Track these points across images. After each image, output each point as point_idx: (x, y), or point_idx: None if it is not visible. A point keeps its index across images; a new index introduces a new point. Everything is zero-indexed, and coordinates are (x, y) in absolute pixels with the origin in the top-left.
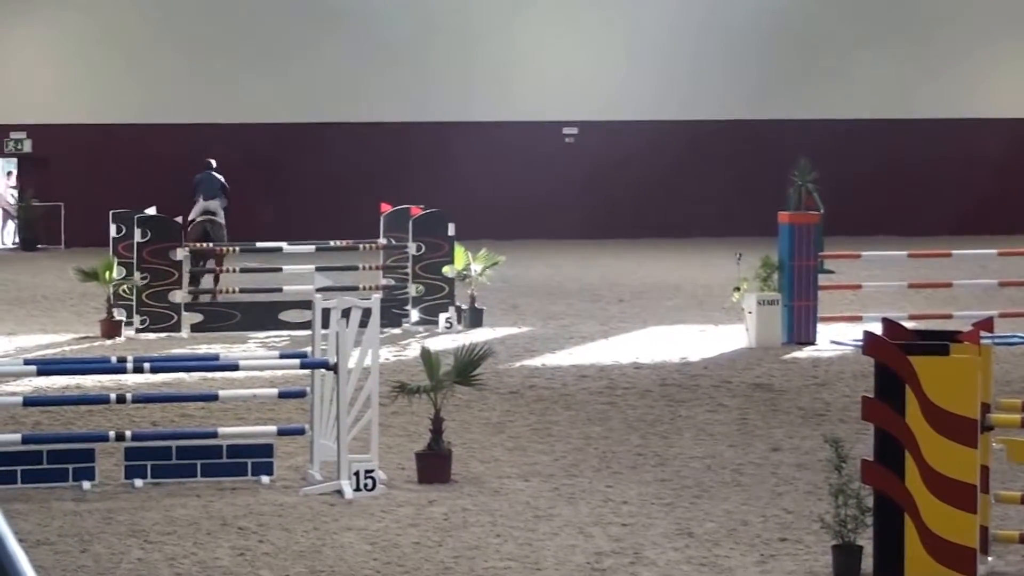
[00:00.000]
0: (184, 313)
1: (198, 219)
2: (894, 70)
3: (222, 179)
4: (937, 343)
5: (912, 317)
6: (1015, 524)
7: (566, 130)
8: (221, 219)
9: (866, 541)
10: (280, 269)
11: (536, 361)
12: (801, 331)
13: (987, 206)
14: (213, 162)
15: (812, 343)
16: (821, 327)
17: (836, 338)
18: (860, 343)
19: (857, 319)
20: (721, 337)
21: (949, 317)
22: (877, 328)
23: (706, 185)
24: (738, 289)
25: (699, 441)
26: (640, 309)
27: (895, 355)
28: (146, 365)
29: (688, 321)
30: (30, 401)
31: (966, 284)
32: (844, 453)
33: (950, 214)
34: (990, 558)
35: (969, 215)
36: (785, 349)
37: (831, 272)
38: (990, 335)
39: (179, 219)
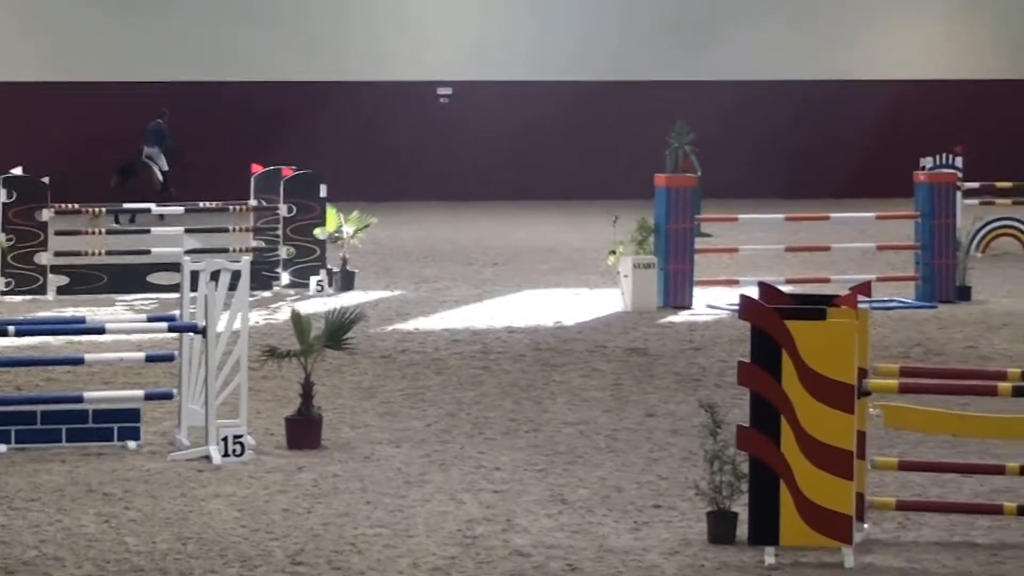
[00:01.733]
0: (50, 276)
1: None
2: (774, 31)
3: (164, 129)
4: (814, 307)
5: (789, 281)
6: (892, 491)
7: (440, 90)
8: (156, 163)
9: (741, 508)
10: (148, 231)
11: (408, 325)
12: (677, 295)
13: (866, 170)
14: (166, 112)
15: (688, 307)
16: (697, 291)
17: (712, 302)
18: (736, 307)
19: (734, 283)
20: (596, 301)
21: (827, 281)
22: (754, 292)
23: (583, 147)
24: (614, 252)
25: (573, 406)
26: (514, 272)
27: (771, 319)
28: (10, 328)
29: (563, 285)
30: None
31: (844, 248)
32: (719, 419)
33: (829, 177)
34: (866, 525)
35: (848, 179)
36: (661, 313)
37: (708, 235)
38: (867, 299)
39: (46, 179)
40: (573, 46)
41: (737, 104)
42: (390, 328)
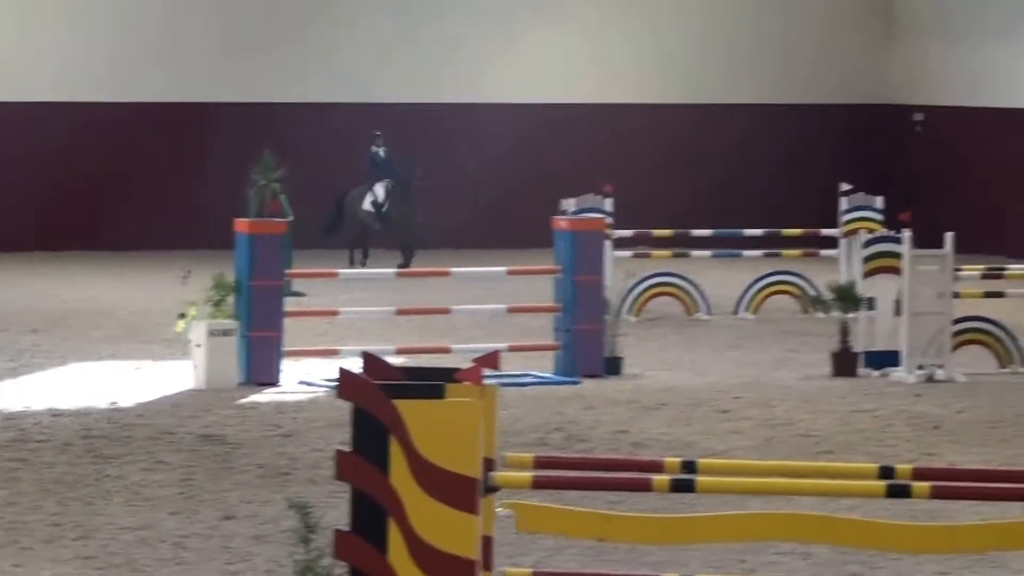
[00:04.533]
0: None
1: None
2: (383, 46)
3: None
4: (430, 383)
5: (401, 351)
6: None
7: None
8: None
9: None
10: None
11: None
12: (262, 369)
13: (495, 213)
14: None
15: (275, 384)
16: (287, 364)
17: (306, 378)
18: (335, 384)
19: (333, 354)
20: (162, 376)
21: (446, 351)
22: (356, 365)
23: (144, 185)
24: (184, 316)
25: (132, 507)
26: (59, 341)
27: (377, 398)
28: None
29: (120, 356)
30: None
31: (468, 310)
32: (313, 521)
33: (449, 223)
34: None
35: (473, 225)
36: (242, 391)
37: (301, 295)
38: (496, 373)
39: None
40: (143, 62)
41: (340, 130)
42: None
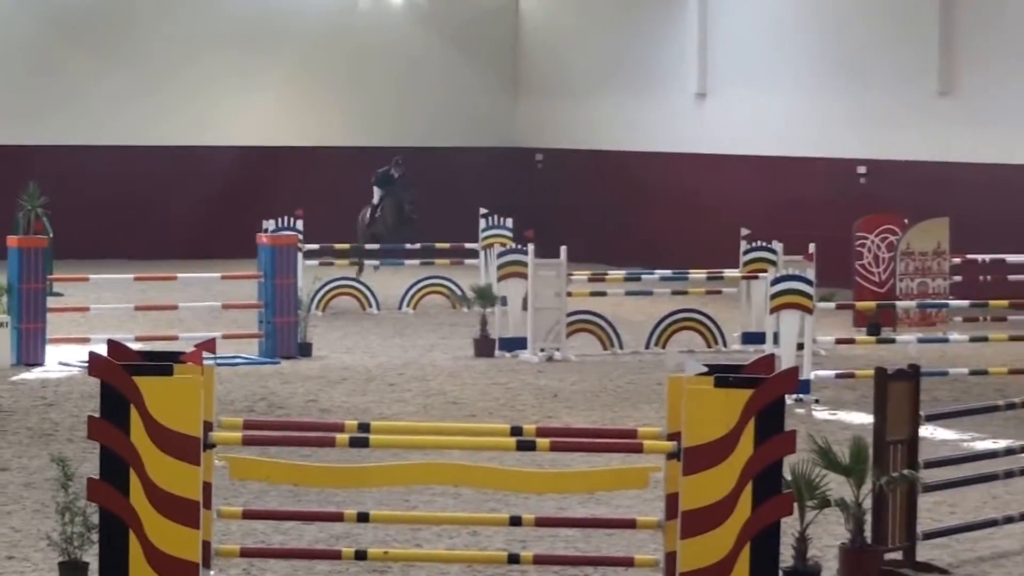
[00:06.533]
0: None
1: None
2: (125, 98)
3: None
4: (161, 364)
5: (139, 339)
6: (237, 538)
7: None
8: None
9: (92, 557)
10: None
11: None
12: (30, 352)
13: (211, 231)
14: (398, 160)
15: (41, 364)
16: (50, 348)
17: (64, 359)
18: (86, 364)
19: (85, 341)
20: None
21: (175, 339)
22: (103, 349)
23: None
24: None
25: None
26: None
27: (119, 375)
28: None
29: None
30: None
31: (191, 307)
32: (71, 472)
33: (176, 239)
34: (212, 572)
35: (194, 240)
36: (14, 371)
37: (60, 295)
38: (213, 356)
39: None
40: None
41: (89, 167)
42: None
